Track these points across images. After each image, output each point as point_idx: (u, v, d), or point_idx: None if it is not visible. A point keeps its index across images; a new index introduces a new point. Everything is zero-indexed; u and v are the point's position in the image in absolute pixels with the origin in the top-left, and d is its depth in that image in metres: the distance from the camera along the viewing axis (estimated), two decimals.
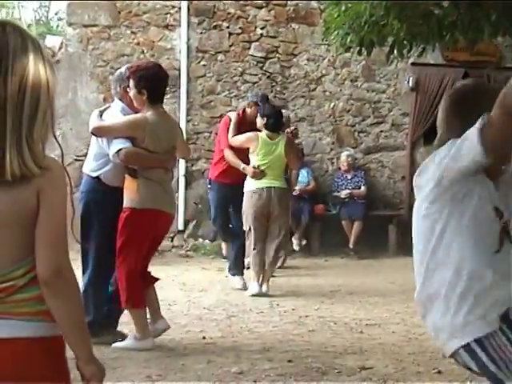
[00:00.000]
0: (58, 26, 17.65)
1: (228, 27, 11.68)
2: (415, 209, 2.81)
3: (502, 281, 2.66)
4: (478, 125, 2.56)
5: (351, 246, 11.35)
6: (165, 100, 5.97)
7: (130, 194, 5.52)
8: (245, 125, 8.32)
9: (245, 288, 8.13)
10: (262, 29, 11.76)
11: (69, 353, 2.11)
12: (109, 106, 5.93)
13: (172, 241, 11.39)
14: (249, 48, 11.74)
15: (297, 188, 10.94)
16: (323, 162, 12.02)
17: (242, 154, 8.09)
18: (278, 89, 11.81)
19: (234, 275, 8.44)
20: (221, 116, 11.57)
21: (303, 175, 11.32)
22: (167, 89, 5.99)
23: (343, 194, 11.56)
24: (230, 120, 8.40)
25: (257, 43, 11.75)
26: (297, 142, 11.21)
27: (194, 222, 11.60)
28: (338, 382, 4.86)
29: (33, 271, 2.02)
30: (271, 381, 4.84)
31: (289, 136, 8.55)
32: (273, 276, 8.22)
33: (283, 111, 9.22)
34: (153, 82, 5.56)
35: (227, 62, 11.69)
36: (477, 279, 2.65)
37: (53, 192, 2.01)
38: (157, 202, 5.56)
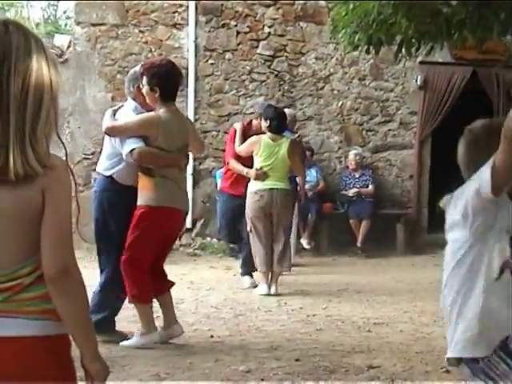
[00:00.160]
0: (66, 25, 17.66)
1: (236, 26, 11.67)
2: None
3: (503, 306, 2.70)
4: (491, 162, 2.60)
5: (359, 244, 11.33)
6: None
7: (147, 192, 5.52)
8: (251, 135, 8.28)
9: (254, 286, 8.16)
10: (269, 27, 11.74)
11: (74, 352, 2.11)
12: (122, 106, 5.92)
13: (180, 239, 11.39)
14: (257, 47, 11.73)
15: (307, 187, 10.76)
16: (331, 161, 12.00)
17: (249, 162, 8.06)
18: (286, 87, 11.80)
19: (243, 275, 8.46)
20: (228, 115, 11.61)
21: (312, 174, 11.29)
22: None
23: (351, 192, 11.55)
24: (236, 131, 8.41)
25: (265, 42, 11.74)
26: (305, 140, 11.22)
27: (202, 220, 11.60)
28: (346, 380, 4.85)
29: (39, 270, 2.03)
30: (279, 379, 4.84)
31: (294, 140, 8.44)
32: (281, 274, 8.21)
33: (288, 110, 9.18)
34: (165, 80, 5.55)
35: (235, 61, 11.68)
36: (477, 302, 2.71)
37: (58, 190, 2.01)
38: (172, 200, 5.57)
